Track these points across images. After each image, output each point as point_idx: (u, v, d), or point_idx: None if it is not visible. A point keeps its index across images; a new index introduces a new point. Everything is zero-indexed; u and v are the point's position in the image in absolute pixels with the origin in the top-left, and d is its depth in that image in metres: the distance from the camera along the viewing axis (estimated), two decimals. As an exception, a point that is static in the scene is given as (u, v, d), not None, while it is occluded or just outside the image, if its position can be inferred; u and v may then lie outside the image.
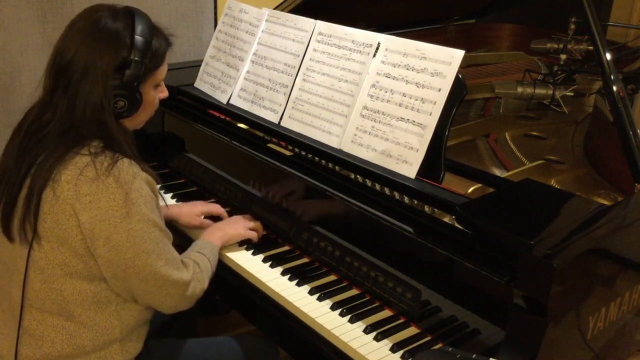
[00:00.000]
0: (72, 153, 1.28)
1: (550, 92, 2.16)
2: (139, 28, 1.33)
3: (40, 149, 1.30)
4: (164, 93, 1.49)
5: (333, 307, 1.44)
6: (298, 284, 1.52)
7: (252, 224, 1.69)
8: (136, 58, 1.32)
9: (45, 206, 1.28)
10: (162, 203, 1.44)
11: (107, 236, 1.27)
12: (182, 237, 1.77)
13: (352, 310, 1.43)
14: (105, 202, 1.26)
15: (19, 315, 1.34)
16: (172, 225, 1.77)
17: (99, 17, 1.32)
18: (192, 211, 1.76)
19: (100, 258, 1.29)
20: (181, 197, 1.95)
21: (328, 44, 1.71)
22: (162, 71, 1.44)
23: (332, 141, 1.64)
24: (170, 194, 1.96)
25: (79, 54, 1.29)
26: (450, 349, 1.16)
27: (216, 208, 1.79)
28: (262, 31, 1.90)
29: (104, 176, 1.26)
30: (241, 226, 1.67)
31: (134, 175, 1.29)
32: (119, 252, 1.28)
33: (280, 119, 1.79)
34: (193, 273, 1.42)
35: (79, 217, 1.26)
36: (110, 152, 1.30)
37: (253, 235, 1.67)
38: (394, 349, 1.33)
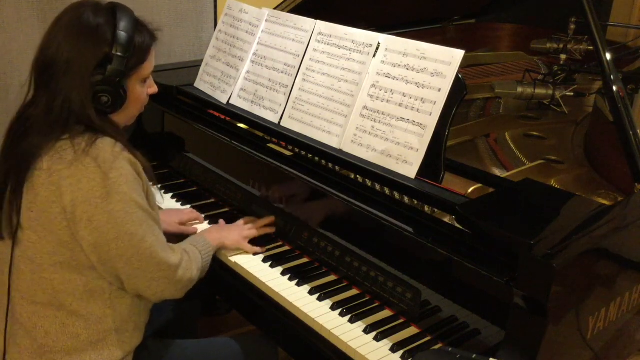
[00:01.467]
0: (54, 140, 1.28)
1: (550, 92, 2.16)
2: (121, 23, 1.33)
3: (23, 145, 1.30)
4: (152, 89, 1.47)
5: (333, 307, 1.44)
6: (298, 284, 1.52)
7: (252, 232, 1.67)
8: (118, 53, 1.31)
9: (30, 195, 1.28)
10: (158, 197, 1.43)
11: (88, 218, 1.26)
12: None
13: (352, 310, 1.43)
14: (85, 182, 1.25)
15: (6, 307, 1.35)
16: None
17: (81, 12, 1.32)
18: (169, 219, 1.73)
19: (84, 241, 1.28)
20: (181, 197, 1.94)
21: (328, 44, 1.71)
22: (148, 66, 1.42)
23: (332, 141, 1.64)
24: (171, 194, 1.96)
25: (61, 50, 1.29)
26: (450, 349, 1.17)
27: (190, 214, 1.79)
28: (262, 31, 1.90)
29: (82, 157, 1.26)
30: (237, 234, 1.64)
31: (114, 155, 1.28)
32: (101, 233, 1.27)
33: (280, 119, 1.79)
34: (181, 259, 1.40)
35: (62, 202, 1.26)
36: (89, 133, 1.29)
37: (249, 249, 1.64)
38: (394, 349, 1.33)
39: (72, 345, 1.34)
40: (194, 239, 1.56)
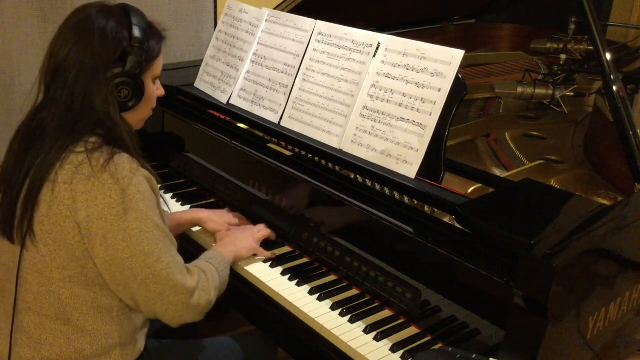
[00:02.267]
0: (69, 151, 1.27)
1: (550, 92, 2.16)
2: (135, 20, 1.34)
3: (40, 149, 1.29)
4: (160, 90, 1.48)
5: (333, 307, 1.44)
6: (298, 284, 1.52)
7: (262, 232, 1.66)
8: (136, 45, 1.32)
9: (43, 208, 1.26)
10: (165, 208, 1.42)
11: (103, 234, 1.24)
12: (192, 244, 1.77)
13: (352, 310, 1.43)
14: (102, 199, 1.24)
15: (12, 317, 1.33)
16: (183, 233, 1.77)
17: (92, 14, 1.32)
18: (221, 218, 1.73)
19: (97, 259, 1.27)
20: (181, 197, 1.95)
21: (328, 44, 1.71)
22: (159, 64, 1.43)
23: (332, 141, 1.64)
24: (170, 194, 1.96)
25: (73, 51, 1.29)
26: (450, 349, 1.17)
27: (233, 218, 1.77)
28: (262, 31, 1.91)
29: (99, 173, 1.24)
30: (251, 239, 1.63)
31: (132, 171, 1.27)
32: (116, 251, 1.25)
33: (280, 119, 1.79)
34: (198, 281, 1.35)
35: (77, 217, 1.24)
36: (107, 148, 1.28)
37: (263, 252, 1.63)
38: (394, 349, 1.33)
39: (75, 358, 1.33)
40: (211, 256, 1.50)
